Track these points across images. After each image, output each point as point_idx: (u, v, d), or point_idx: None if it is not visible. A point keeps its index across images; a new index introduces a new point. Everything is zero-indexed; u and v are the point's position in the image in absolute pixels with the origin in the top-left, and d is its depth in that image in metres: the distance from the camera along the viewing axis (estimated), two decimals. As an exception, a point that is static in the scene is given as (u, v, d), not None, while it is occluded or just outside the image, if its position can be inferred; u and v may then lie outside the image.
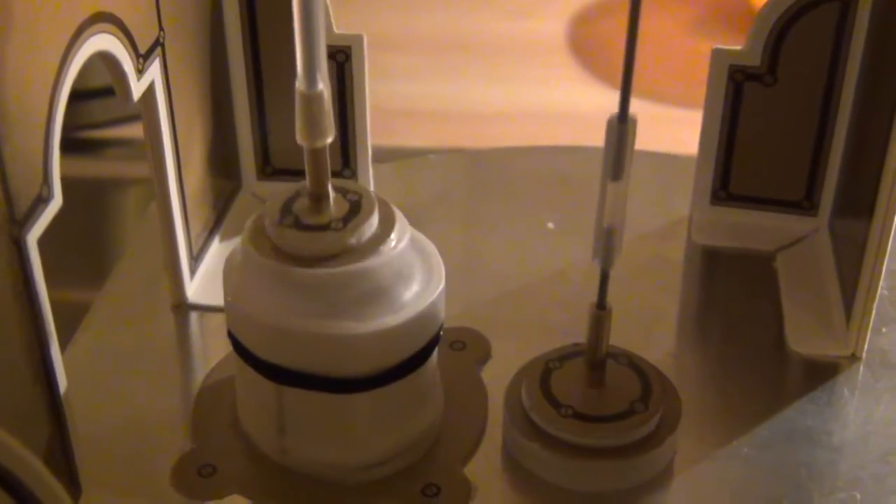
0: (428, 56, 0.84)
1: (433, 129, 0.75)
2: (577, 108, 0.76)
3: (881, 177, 0.39)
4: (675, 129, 0.60)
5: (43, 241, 0.32)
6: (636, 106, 0.34)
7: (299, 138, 0.34)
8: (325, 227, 0.35)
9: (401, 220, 0.36)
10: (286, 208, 0.36)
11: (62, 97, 0.33)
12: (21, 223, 0.31)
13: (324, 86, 0.33)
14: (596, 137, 0.58)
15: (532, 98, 0.78)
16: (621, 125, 0.33)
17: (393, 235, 0.35)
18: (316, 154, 0.34)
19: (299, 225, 0.35)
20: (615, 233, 0.35)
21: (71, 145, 0.65)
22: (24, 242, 0.32)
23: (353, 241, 0.35)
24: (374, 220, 0.36)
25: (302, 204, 0.36)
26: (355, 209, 0.36)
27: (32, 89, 0.32)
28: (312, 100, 0.33)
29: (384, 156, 0.55)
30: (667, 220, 0.50)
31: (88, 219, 0.56)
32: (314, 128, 0.34)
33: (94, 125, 0.65)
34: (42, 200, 0.32)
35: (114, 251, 0.50)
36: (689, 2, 0.92)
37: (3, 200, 0.30)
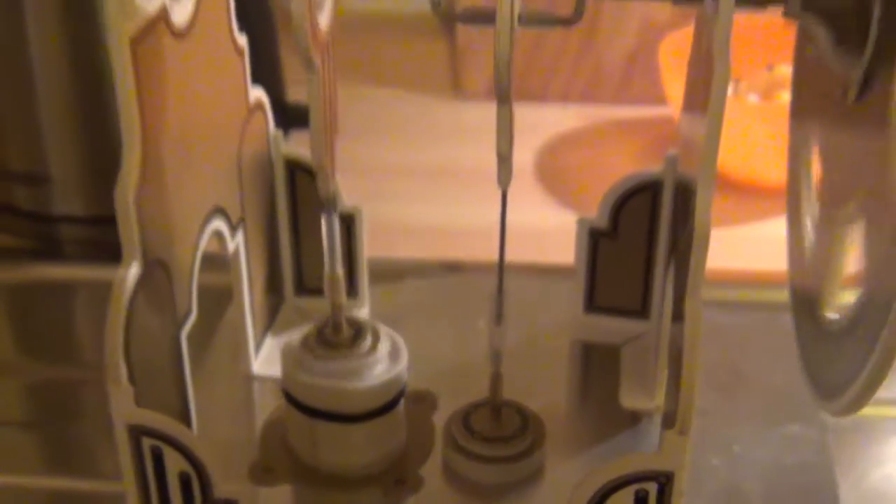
0: (417, 182, 0.98)
1: (416, 244, 0.89)
2: (539, 227, 0.85)
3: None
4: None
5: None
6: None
7: (328, 297, 0.55)
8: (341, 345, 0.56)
9: (385, 338, 0.57)
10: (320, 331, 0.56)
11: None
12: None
13: (340, 271, 0.59)
14: (549, 253, 0.73)
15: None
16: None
17: (380, 346, 0.58)
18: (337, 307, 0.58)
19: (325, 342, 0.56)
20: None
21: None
22: None
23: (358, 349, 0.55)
24: (370, 339, 0.56)
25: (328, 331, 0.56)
26: (360, 333, 0.56)
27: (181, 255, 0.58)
28: (336, 281, 0.57)
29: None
30: (555, 322, 0.72)
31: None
32: (337, 294, 0.58)
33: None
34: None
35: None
36: (646, 130, 1.04)
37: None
